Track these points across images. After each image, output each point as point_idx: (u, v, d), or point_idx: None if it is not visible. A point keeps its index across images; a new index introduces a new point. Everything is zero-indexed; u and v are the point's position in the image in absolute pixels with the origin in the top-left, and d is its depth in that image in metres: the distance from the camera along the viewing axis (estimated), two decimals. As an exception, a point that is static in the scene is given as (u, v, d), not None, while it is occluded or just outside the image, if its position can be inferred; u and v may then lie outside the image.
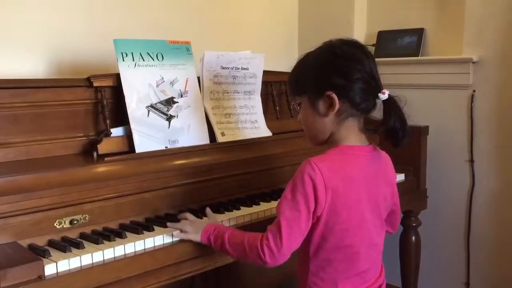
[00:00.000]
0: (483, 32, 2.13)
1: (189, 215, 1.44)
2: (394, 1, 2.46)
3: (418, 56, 2.34)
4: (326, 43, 1.33)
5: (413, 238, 2.22)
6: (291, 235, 1.22)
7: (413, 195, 2.15)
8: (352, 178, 1.26)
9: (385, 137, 1.26)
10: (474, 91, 2.19)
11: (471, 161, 2.23)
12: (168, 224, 1.40)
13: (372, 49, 2.41)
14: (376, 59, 1.32)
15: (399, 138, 1.25)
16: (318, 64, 1.30)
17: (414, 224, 2.21)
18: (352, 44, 1.31)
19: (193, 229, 1.37)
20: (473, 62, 2.16)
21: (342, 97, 1.26)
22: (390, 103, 1.26)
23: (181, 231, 1.37)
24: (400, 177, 2.06)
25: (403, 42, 2.40)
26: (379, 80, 1.28)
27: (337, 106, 1.26)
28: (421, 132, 2.18)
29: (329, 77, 1.27)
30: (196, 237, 1.36)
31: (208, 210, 1.51)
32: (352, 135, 1.29)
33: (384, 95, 1.25)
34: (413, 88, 2.34)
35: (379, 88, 1.26)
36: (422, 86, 2.34)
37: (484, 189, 2.21)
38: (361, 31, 2.55)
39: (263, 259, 1.24)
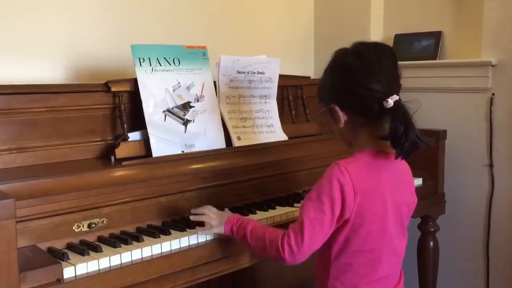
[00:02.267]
0: (502, 35, 2.10)
1: (210, 208, 1.43)
2: (411, 4, 2.44)
3: (435, 59, 2.32)
4: (334, 53, 1.32)
5: (431, 243, 2.19)
6: (312, 235, 1.22)
7: (431, 200, 2.13)
8: (379, 182, 1.26)
9: (391, 143, 1.22)
10: (493, 94, 2.16)
11: (491, 165, 2.19)
12: (191, 217, 1.41)
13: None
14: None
15: (400, 144, 1.18)
16: (324, 78, 1.34)
17: (432, 229, 2.19)
18: (351, 53, 1.27)
19: (217, 222, 1.37)
20: (492, 65, 2.13)
21: (345, 109, 1.27)
22: (396, 109, 1.20)
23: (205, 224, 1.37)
24: (418, 181, 2.03)
25: (420, 46, 2.38)
26: (386, 86, 1.21)
27: (342, 118, 1.28)
28: (439, 136, 2.15)
29: (331, 91, 1.30)
30: (220, 230, 1.36)
31: (225, 209, 1.52)
32: (372, 142, 1.27)
33: (387, 103, 1.19)
34: (431, 92, 2.32)
35: (384, 96, 1.20)
36: (440, 89, 2.31)
37: (504, 194, 2.17)
38: (377, 35, 2.53)
39: (281, 256, 1.23)
